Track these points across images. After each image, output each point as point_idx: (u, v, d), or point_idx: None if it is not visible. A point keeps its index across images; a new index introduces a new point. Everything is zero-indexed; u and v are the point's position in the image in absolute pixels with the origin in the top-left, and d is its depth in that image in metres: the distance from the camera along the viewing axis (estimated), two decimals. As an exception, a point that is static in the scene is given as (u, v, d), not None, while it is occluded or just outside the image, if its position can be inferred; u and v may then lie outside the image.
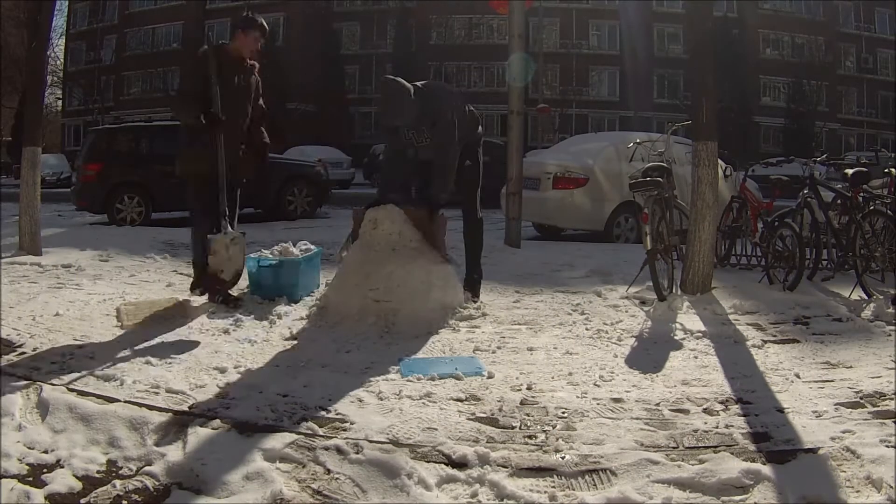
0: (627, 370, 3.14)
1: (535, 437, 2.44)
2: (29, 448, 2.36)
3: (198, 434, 2.43)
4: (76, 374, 3.00)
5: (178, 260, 6.14)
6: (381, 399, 2.76)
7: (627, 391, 2.87)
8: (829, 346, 3.47)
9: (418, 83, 4.15)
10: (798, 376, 3.03)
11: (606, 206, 8.00)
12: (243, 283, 4.90)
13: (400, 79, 4.09)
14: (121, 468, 2.25)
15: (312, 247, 4.94)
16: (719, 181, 4.93)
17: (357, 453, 2.27)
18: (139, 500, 2.08)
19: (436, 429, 2.48)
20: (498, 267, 5.56)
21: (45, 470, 2.22)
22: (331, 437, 2.40)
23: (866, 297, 4.43)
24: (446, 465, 2.24)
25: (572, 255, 6.39)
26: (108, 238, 7.38)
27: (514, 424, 2.55)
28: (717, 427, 2.50)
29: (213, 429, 2.48)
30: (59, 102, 40.11)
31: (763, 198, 6.20)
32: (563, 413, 2.63)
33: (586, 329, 3.82)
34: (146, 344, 3.48)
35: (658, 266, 4.48)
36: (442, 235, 4.17)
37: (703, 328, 3.75)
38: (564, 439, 2.41)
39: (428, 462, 2.26)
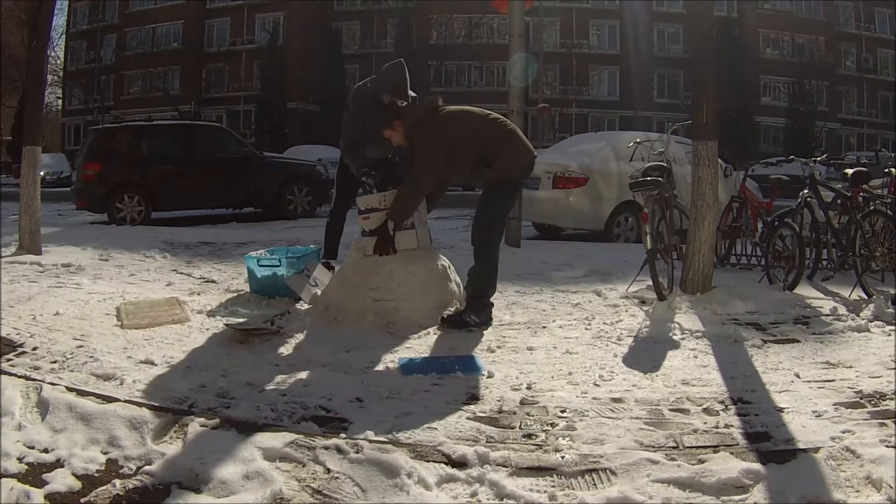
0: (627, 370, 3.14)
1: (535, 437, 2.44)
2: (29, 447, 2.36)
3: (198, 433, 2.43)
4: (76, 374, 3.00)
5: (177, 259, 6.15)
6: (381, 398, 2.77)
7: (627, 391, 2.87)
8: (829, 346, 3.47)
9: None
10: (798, 376, 3.03)
11: (606, 205, 8.00)
12: (243, 283, 4.91)
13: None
14: (121, 467, 2.25)
15: (313, 246, 4.94)
16: (719, 181, 4.93)
17: (357, 453, 2.27)
18: (139, 499, 2.08)
19: (435, 428, 2.48)
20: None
21: (44, 469, 2.22)
22: (331, 437, 2.40)
23: (866, 297, 4.42)
24: (446, 464, 2.24)
25: (572, 255, 6.39)
26: (108, 237, 7.38)
27: (513, 424, 2.54)
28: (716, 427, 2.50)
29: (212, 428, 2.48)
30: (60, 102, 40.15)
31: (763, 198, 6.20)
32: (563, 412, 2.63)
33: (586, 329, 3.82)
34: (146, 343, 3.48)
35: (658, 266, 4.48)
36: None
37: (702, 328, 3.75)
38: (564, 439, 2.41)
39: (428, 461, 2.25)
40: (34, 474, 2.20)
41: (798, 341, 3.57)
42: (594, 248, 7.05)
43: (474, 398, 2.79)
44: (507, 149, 3.84)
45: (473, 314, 3.80)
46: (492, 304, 3.94)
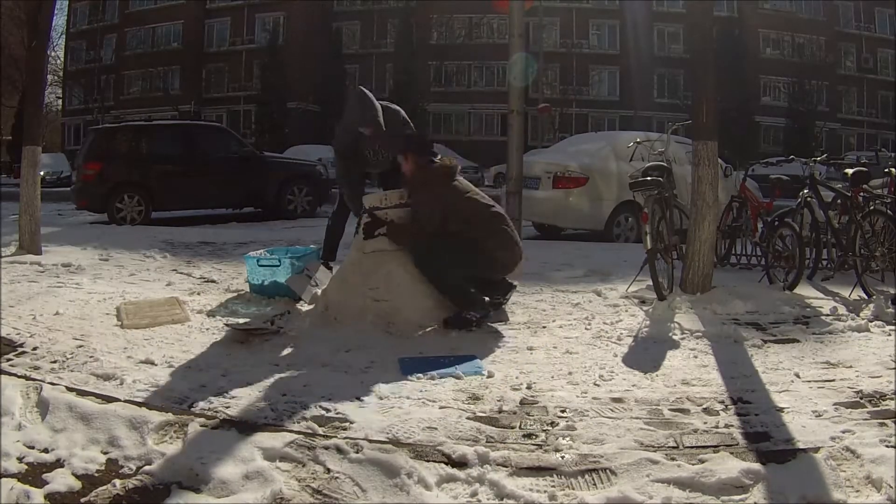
0: (627, 370, 3.14)
1: (535, 437, 2.44)
2: (29, 447, 2.36)
3: (198, 433, 2.43)
4: (76, 374, 3.00)
5: (177, 259, 6.15)
6: (381, 399, 2.77)
7: (627, 390, 2.87)
8: (829, 346, 3.47)
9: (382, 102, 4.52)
10: (798, 376, 3.03)
11: (606, 205, 8.00)
12: (243, 283, 4.91)
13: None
14: (121, 467, 2.25)
15: (313, 246, 4.94)
16: (719, 181, 4.93)
17: (357, 452, 2.27)
18: (139, 499, 2.08)
19: (436, 428, 2.48)
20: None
21: (44, 469, 2.22)
22: (331, 437, 2.40)
23: (866, 297, 4.42)
24: (446, 464, 2.24)
25: (572, 254, 6.39)
26: (108, 237, 7.38)
27: (513, 424, 2.55)
28: (716, 427, 2.50)
29: (212, 428, 2.48)
30: (60, 102, 40.11)
31: (763, 198, 6.20)
32: (563, 412, 2.63)
33: (586, 328, 3.82)
34: (146, 343, 3.48)
35: (658, 266, 4.48)
36: None
37: (702, 328, 3.75)
38: (564, 439, 2.41)
39: (428, 461, 2.26)
40: (34, 474, 2.19)
41: (798, 341, 3.57)
42: (594, 248, 7.05)
43: (474, 398, 2.79)
44: (500, 253, 3.91)
45: (472, 311, 3.80)
46: (482, 298, 3.96)
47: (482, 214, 3.94)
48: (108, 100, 37.34)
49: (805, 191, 5.04)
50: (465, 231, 3.84)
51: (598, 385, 2.94)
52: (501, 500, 2.06)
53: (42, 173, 7.53)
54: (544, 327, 3.87)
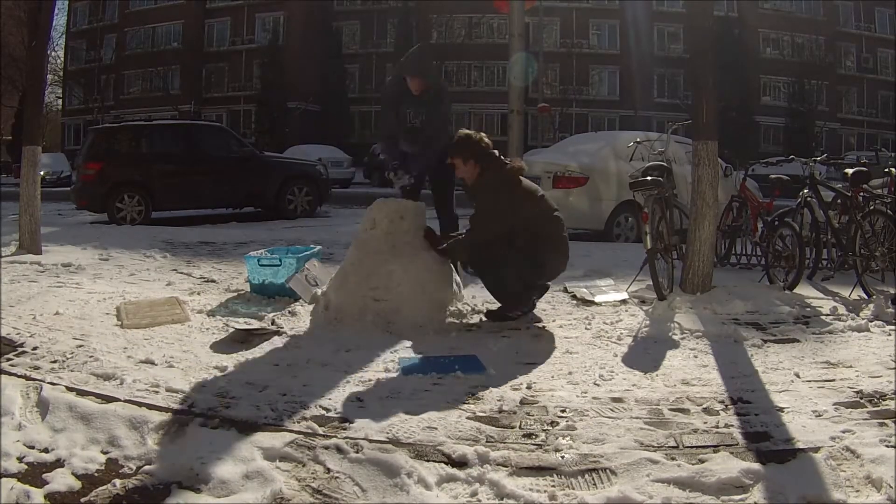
0: (627, 369, 3.14)
1: (535, 437, 2.44)
2: (29, 447, 2.36)
3: (198, 433, 2.43)
4: (76, 374, 3.00)
5: (177, 259, 6.15)
6: (381, 398, 2.77)
7: (627, 390, 2.87)
8: (829, 346, 3.47)
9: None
10: (798, 376, 3.03)
11: (606, 205, 8.00)
12: (243, 283, 4.91)
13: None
14: (121, 467, 2.25)
15: (313, 246, 4.94)
16: (719, 181, 4.93)
17: (357, 452, 2.27)
18: (139, 499, 2.08)
19: (436, 428, 2.48)
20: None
21: (44, 469, 2.22)
22: (331, 437, 2.40)
23: (866, 297, 4.42)
24: (446, 464, 2.24)
25: (572, 254, 6.36)
26: (108, 237, 7.39)
27: (513, 424, 2.55)
28: (716, 426, 2.50)
29: (212, 428, 2.48)
30: (60, 101, 40.15)
31: (763, 197, 6.20)
32: (563, 412, 2.63)
33: (586, 328, 3.82)
34: (146, 343, 3.48)
35: (658, 265, 4.49)
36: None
37: (702, 328, 3.75)
38: (564, 438, 2.41)
39: (428, 461, 2.26)
40: (34, 474, 2.19)
41: (798, 341, 3.57)
42: (594, 247, 7.04)
43: (474, 398, 2.79)
44: (558, 255, 4.00)
45: (517, 309, 3.92)
46: (530, 295, 4.02)
47: (549, 217, 3.98)
48: (108, 100, 37.38)
49: (805, 191, 5.04)
50: (530, 233, 3.86)
51: (598, 385, 2.94)
52: (501, 499, 2.06)
53: (42, 173, 7.52)
54: (544, 327, 3.87)
